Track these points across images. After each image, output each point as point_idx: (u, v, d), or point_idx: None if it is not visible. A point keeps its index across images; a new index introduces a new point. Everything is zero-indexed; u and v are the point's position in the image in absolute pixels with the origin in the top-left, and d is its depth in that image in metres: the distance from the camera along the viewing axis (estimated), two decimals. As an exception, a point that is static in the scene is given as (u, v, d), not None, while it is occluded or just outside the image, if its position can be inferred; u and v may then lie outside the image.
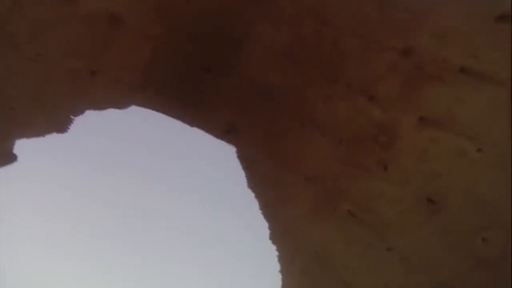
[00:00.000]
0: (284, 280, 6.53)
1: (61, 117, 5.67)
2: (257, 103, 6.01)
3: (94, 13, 4.93)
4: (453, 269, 4.72)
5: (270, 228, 6.50)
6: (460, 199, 4.67)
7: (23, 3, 4.57)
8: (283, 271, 6.54)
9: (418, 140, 4.90)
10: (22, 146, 5.79)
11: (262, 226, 6.59)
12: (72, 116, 5.73)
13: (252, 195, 6.53)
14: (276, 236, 6.45)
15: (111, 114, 6.02)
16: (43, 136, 5.77)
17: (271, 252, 6.62)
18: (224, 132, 6.29)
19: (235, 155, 6.43)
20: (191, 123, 6.33)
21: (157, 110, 6.24)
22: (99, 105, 5.86)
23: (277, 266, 6.60)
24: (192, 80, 5.91)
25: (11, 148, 5.87)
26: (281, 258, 6.54)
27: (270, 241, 6.60)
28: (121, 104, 6.01)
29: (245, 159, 6.38)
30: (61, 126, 5.75)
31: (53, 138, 5.81)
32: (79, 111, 5.75)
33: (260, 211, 6.50)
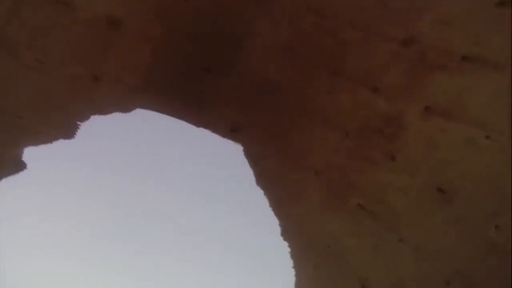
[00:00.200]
0: (297, 276, 6.54)
1: (67, 124, 5.72)
2: (261, 100, 6.00)
3: (93, 17, 4.95)
4: (467, 257, 4.68)
5: (281, 224, 6.51)
6: (470, 187, 4.63)
7: (21, 10, 4.61)
8: (296, 267, 6.55)
9: (425, 130, 4.87)
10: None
11: (272, 223, 6.61)
12: (78, 122, 5.78)
13: (261, 192, 6.55)
14: (287, 233, 6.46)
15: (113, 115, 6.04)
16: (51, 143, 5.83)
17: (283, 248, 6.65)
18: (229, 130, 6.29)
19: (242, 153, 6.45)
20: (196, 123, 6.34)
21: (160, 111, 6.26)
22: (104, 110, 5.89)
23: (290, 263, 6.62)
24: (193, 80, 5.91)
25: (20, 156, 5.94)
26: (293, 254, 6.55)
27: (281, 238, 6.62)
28: (124, 107, 6.03)
29: (252, 156, 6.39)
30: (68, 132, 5.81)
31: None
32: (85, 117, 5.79)
33: (270, 208, 6.52)
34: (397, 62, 4.90)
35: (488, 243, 4.54)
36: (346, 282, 5.72)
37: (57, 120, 5.62)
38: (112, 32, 5.21)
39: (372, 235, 5.45)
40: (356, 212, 5.56)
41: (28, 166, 5.95)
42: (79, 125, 5.85)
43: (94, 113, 5.85)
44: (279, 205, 6.41)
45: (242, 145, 6.41)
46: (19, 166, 6.04)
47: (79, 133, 5.88)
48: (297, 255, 6.49)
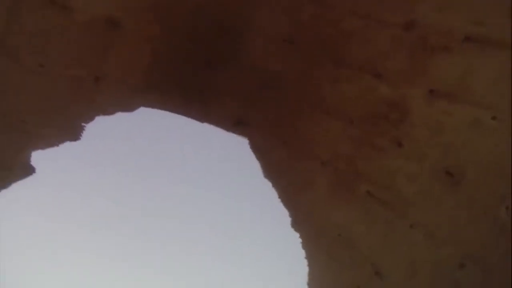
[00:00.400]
0: (310, 266, 6.55)
1: (72, 126, 5.75)
2: (263, 92, 5.99)
3: (92, 19, 4.95)
4: (479, 239, 4.64)
5: (290, 215, 6.51)
6: (479, 169, 4.59)
7: (20, 15, 4.62)
8: (309, 257, 6.56)
9: (431, 114, 4.82)
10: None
11: (282, 215, 6.61)
12: (83, 124, 5.81)
13: (269, 184, 6.54)
14: (297, 223, 6.46)
15: (117, 115, 6.06)
16: (57, 146, 5.87)
17: (294, 239, 6.65)
18: (233, 124, 6.29)
19: (248, 146, 6.44)
20: (200, 119, 6.35)
21: (163, 108, 6.28)
22: (107, 110, 5.91)
23: (302, 253, 6.63)
24: (194, 76, 5.91)
25: (29, 160, 5.98)
26: (305, 245, 6.55)
27: (292, 229, 6.63)
28: (128, 106, 6.05)
29: (258, 149, 6.38)
30: (74, 134, 5.84)
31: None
32: (89, 118, 5.82)
33: (279, 200, 6.52)
34: (399, 47, 4.86)
35: (500, 225, 4.50)
36: (359, 269, 5.71)
37: (62, 123, 5.65)
38: (111, 33, 5.21)
39: (382, 222, 5.43)
40: (365, 200, 5.54)
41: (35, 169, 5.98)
42: (84, 126, 5.87)
43: (98, 114, 5.87)
44: (287, 196, 6.41)
45: (247, 138, 6.41)
46: (28, 170, 6.08)
47: (85, 134, 5.91)
48: (308, 245, 6.49)
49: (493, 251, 4.53)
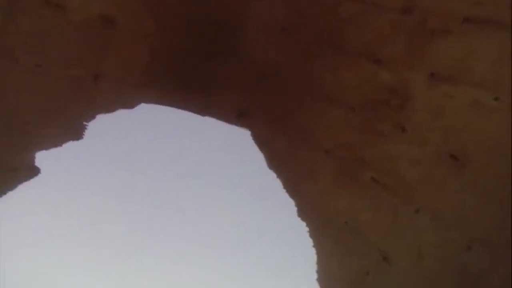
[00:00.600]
0: (318, 254, 6.56)
1: (74, 125, 5.75)
2: (264, 83, 5.96)
3: (87, 18, 4.93)
4: (485, 222, 4.64)
5: (296, 205, 6.51)
6: (483, 151, 4.57)
7: (16, 16, 4.61)
8: (316, 245, 6.57)
9: (432, 97, 4.79)
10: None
11: (288, 205, 6.61)
12: (85, 123, 5.82)
13: (274, 175, 6.54)
14: (303, 212, 6.46)
15: (117, 112, 6.07)
16: (61, 146, 5.88)
17: (302, 228, 6.66)
18: (235, 116, 6.28)
19: (250, 138, 6.43)
20: (202, 112, 6.34)
21: (164, 104, 6.27)
22: (108, 108, 5.91)
23: (310, 242, 6.64)
24: (193, 70, 5.89)
25: (33, 161, 6.00)
26: (312, 233, 6.56)
27: (299, 218, 6.63)
28: (129, 103, 6.05)
29: (260, 140, 6.37)
30: (76, 133, 5.84)
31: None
32: (90, 117, 5.82)
33: (285, 190, 6.52)
34: (398, 32, 4.81)
35: (506, 206, 4.49)
36: (367, 256, 5.72)
37: (64, 123, 5.66)
38: (108, 31, 5.19)
39: (388, 208, 5.43)
40: (370, 187, 5.53)
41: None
42: (86, 125, 5.88)
43: (99, 112, 5.87)
44: (292, 186, 6.41)
45: (249, 130, 6.39)
46: (33, 171, 6.10)
47: (87, 133, 5.92)
48: (315, 234, 6.50)
49: (500, 233, 4.53)
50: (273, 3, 5.51)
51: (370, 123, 5.33)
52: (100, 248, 30.63)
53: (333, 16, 5.20)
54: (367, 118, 5.34)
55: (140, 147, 31.87)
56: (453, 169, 4.78)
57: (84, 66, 5.28)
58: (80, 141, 6.00)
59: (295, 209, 6.57)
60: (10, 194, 5.98)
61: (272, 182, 6.56)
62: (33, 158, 5.93)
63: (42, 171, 6.04)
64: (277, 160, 6.36)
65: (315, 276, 6.56)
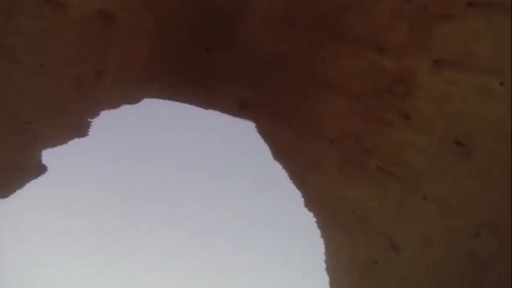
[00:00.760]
0: (326, 244, 6.56)
1: (78, 122, 5.76)
2: (266, 73, 5.93)
3: (86, 15, 4.91)
4: (492, 208, 4.60)
5: (303, 196, 6.50)
6: (489, 136, 4.51)
7: (16, 16, 4.60)
8: (324, 235, 6.57)
9: (436, 84, 4.73)
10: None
11: (295, 196, 6.61)
12: (89, 119, 5.82)
13: (280, 166, 6.54)
14: (310, 203, 6.45)
15: (121, 108, 6.08)
16: (66, 143, 5.90)
17: (309, 219, 6.66)
18: (238, 108, 6.26)
19: (255, 130, 6.42)
20: (205, 106, 6.33)
21: (167, 98, 6.28)
22: (112, 104, 5.92)
23: (317, 233, 6.64)
24: (195, 63, 5.88)
25: (40, 159, 6.03)
26: (319, 224, 6.56)
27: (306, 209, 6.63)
28: (132, 99, 6.06)
29: (265, 132, 6.36)
30: (81, 130, 5.86)
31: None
32: (95, 113, 5.82)
33: (291, 181, 6.51)
34: (400, 18, 4.75)
35: (512, 191, 4.45)
36: (375, 244, 5.71)
37: (68, 120, 5.67)
38: (108, 28, 5.17)
39: (395, 196, 5.40)
40: (376, 175, 5.50)
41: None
42: (91, 122, 5.89)
43: (103, 109, 5.88)
44: (298, 177, 6.40)
45: (254, 122, 6.37)
46: (40, 169, 6.13)
47: (92, 129, 5.93)
48: (323, 224, 6.50)
49: (508, 219, 4.48)
50: (273, -5, 5.46)
51: (374, 112, 5.28)
52: (105, 242, 30.91)
53: (334, 3, 5.15)
54: (371, 107, 5.30)
55: (144, 142, 32.00)
56: (459, 156, 4.73)
57: (86, 63, 5.28)
58: (85, 138, 6.03)
59: (301, 200, 6.57)
60: (18, 192, 6.04)
61: (278, 174, 6.58)
62: (40, 156, 5.97)
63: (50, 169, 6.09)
64: (282, 152, 6.34)
65: (324, 266, 6.57)
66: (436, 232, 5.01)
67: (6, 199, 5.90)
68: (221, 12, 5.60)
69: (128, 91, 5.88)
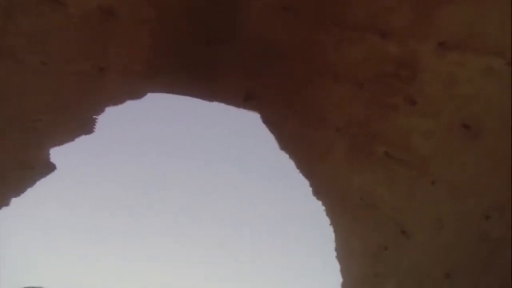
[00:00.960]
0: (336, 232, 6.56)
1: (84, 120, 5.79)
2: (268, 63, 5.89)
3: (86, 12, 4.91)
4: (502, 189, 4.55)
5: (311, 185, 6.49)
6: (496, 118, 4.45)
7: (16, 15, 4.61)
8: (333, 223, 6.56)
9: (442, 67, 4.67)
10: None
11: (303, 185, 6.60)
12: (94, 116, 5.84)
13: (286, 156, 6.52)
14: (318, 192, 6.45)
15: (125, 103, 6.08)
16: (73, 141, 5.93)
17: (318, 207, 6.65)
18: (243, 99, 6.24)
19: (260, 120, 6.40)
20: (209, 98, 6.31)
21: (171, 92, 6.26)
22: (116, 100, 5.92)
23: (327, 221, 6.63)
24: (196, 55, 5.85)
25: (48, 157, 6.07)
26: (328, 212, 6.55)
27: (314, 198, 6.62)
28: (136, 93, 6.06)
29: (270, 122, 6.34)
30: (87, 127, 5.89)
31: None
32: (100, 110, 5.84)
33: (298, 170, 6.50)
34: (402, 1, 4.69)
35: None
36: (385, 230, 5.69)
37: (74, 118, 5.70)
38: (108, 23, 5.17)
39: (403, 181, 5.37)
40: (383, 161, 5.47)
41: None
42: (96, 118, 5.91)
43: (108, 105, 5.89)
44: (305, 166, 6.39)
45: (259, 112, 6.35)
46: (49, 167, 6.18)
47: (98, 125, 5.96)
48: (332, 212, 6.49)
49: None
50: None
51: (380, 98, 5.24)
52: (110, 236, 31.17)
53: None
54: (376, 93, 5.25)
55: (150, 136, 32.11)
56: (466, 139, 4.69)
57: (88, 60, 5.29)
58: (92, 134, 6.06)
59: (309, 189, 6.57)
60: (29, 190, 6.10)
61: (285, 163, 6.56)
62: (48, 154, 6.01)
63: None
64: (288, 141, 6.33)
65: (334, 254, 6.57)
66: (446, 215, 4.98)
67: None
68: (222, 3, 5.56)
69: (131, 86, 5.88)
